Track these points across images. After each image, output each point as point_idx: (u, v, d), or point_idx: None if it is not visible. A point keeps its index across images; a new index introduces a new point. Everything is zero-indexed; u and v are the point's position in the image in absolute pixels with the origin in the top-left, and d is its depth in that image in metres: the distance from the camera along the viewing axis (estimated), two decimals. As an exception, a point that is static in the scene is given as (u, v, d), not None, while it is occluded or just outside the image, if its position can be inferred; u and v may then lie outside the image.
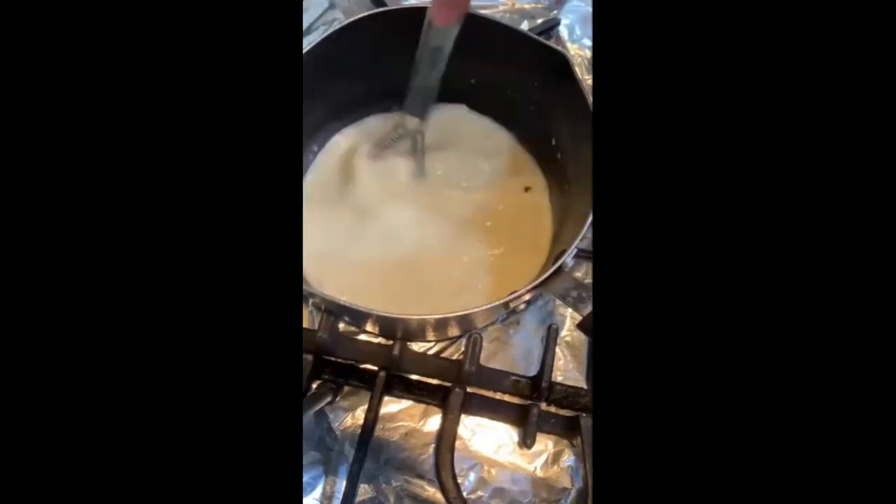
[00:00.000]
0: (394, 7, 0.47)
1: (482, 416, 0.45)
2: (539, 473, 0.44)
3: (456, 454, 0.42)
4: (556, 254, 0.45)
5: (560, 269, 0.38)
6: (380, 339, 0.46)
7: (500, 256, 0.48)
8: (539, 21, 0.59)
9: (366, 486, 0.43)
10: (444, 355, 0.47)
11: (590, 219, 0.38)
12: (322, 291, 0.38)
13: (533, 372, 0.44)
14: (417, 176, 0.50)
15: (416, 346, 0.47)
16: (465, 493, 0.41)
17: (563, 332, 0.48)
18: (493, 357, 0.47)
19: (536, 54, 0.44)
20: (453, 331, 0.47)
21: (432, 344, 0.48)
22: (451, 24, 0.41)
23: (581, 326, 0.48)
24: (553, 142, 0.49)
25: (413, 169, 0.50)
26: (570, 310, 0.49)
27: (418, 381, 0.45)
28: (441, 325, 0.44)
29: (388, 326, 0.45)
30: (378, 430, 0.44)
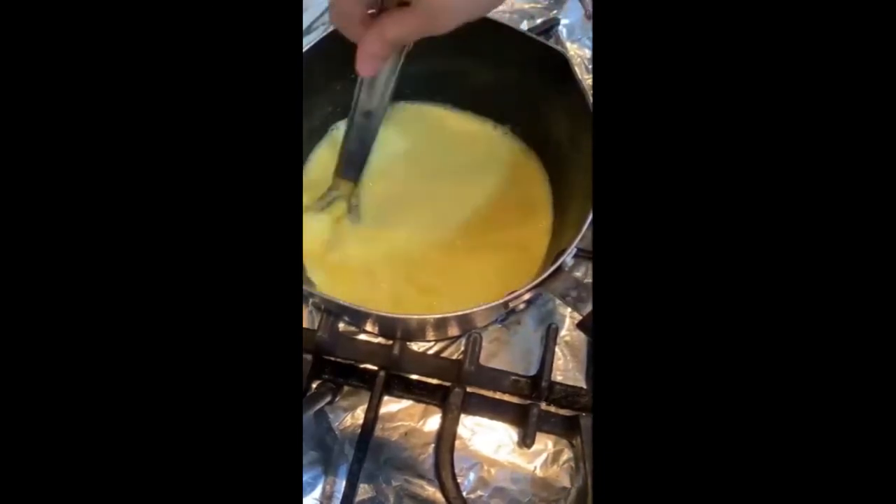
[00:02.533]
0: (393, 7, 0.47)
1: (482, 415, 0.45)
2: (539, 473, 0.44)
3: (456, 454, 0.42)
4: (555, 253, 0.45)
5: (560, 268, 0.38)
6: (379, 339, 0.46)
7: (499, 256, 0.48)
8: (539, 21, 0.59)
9: (366, 485, 0.43)
10: (443, 355, 0.47)
11: (590, 218, 0.38)
12: (322, 291, 0.38)
13: (533, 372, 0.44)
14: (353, 224, 0.49)
15: (416, 346, 0.47)
16: (464, 493, 0.41)
17: (563, 332, 0.48)
18: (492, 357, 0.47)
19: (536, 54, 0.44)
20: (453, 330, 0.47)
21: (432, 344, 0.48)
22: (380, 72, 0.37)
23: (581, 326, 0.48)
24: (553, 142, 0.49)
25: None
26: (569, 310, 0.49)
27: (418, 381, 0.45)
28: (441, 324, 0.44)
29: (387, 326, 0.45)
30: (378, 430, 0.44)
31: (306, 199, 0.48)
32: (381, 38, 0.32)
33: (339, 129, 0.52)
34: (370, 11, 0.32)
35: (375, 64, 0.34)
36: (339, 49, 0.44)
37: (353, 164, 0.46)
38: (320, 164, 0.51)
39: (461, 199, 0.50)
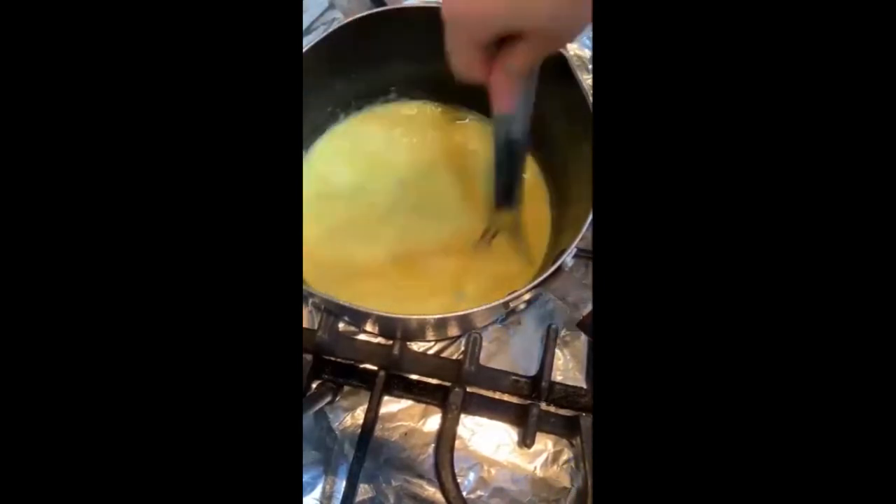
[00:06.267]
0: (393, 7, 0.47)
1: (482, 415, 0.45)
2: (539, 473, 0.44)
3: (456, 454, 0.42)
4: (555, 253, 0.45)
5: (560, 269, 0.38)
6: (379, 339, 0.46)
7: (499, 256, 0.48)
8: (539, 21, 0.59)
9: (366, 485, 0.43)
10: (443, 355, 0.47)
11: (590, 219, 0.38)
12: (322, 291, 0.38)
13: (533, 372, 0.44)
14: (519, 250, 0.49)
15: (416, 346, 0.47)
16: (464, 493, 0.41)
17: (563, 332, 0.48)
18: (492, 357, 0.47)
19: (536, 54, 0.44)
20: (453, 331, 0.47)
21: (432, 344, 0.48)
22: (517, 107, 0.36)
23: (581, 326, 0.48)
24: (553, 142, 0.49)
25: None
26: (569, 310, 0.49)
27: (418, 381, 0.45)
28: (441, 324, 0.44)
29: (387, 326, 0.45)
30: (378, 430, 0.44)
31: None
32: (508, 73, 0.32)
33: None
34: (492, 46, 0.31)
35: (513, 98, 0.34)
36: (338, 49, 0.45)
37: (508, 194, 0.46)
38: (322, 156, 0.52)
39: (461, 199, 0.50)
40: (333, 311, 0.42)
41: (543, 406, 0.43)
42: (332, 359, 0.45)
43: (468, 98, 0.52)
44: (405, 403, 0.46)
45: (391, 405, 0.46)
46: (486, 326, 0.48)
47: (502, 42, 0.31)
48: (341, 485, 0.42)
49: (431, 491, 0.43)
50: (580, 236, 0.38)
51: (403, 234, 0.49)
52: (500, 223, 0.47)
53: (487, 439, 0.45)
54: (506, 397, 0.45)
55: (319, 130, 0.52)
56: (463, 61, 0.31)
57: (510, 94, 0.34)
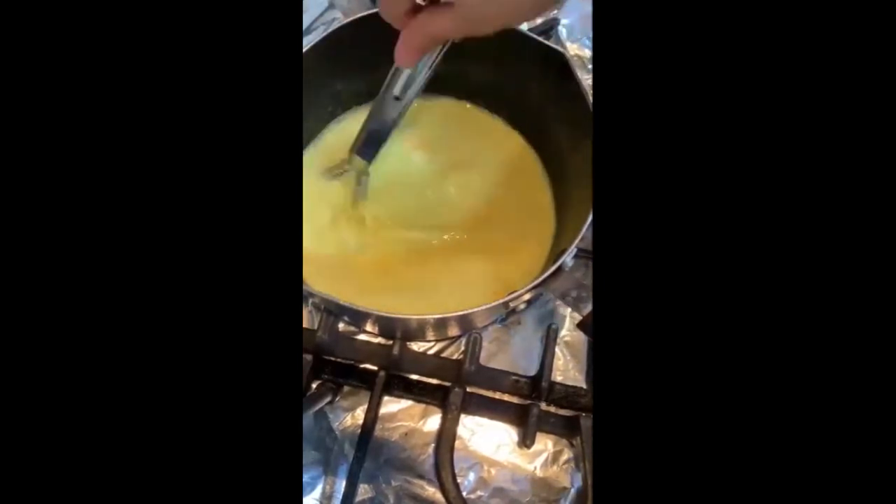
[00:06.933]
0: (393, 7, 0.47)
1: (482, 415, 0.45)
2: (539, 473, 0.44)
3: (456, 454, 0.42)
4: (556, 253, 0.45)
5: (560, 269, 0.38)
6: (379, 339, 0.46)
7: (499, 255, 0.48)
8: (539, 21, 0.59)
9: (366, 485, 0.43)
10: (443, 355, 0.47)
11: (590, 219, 0.38)
12: (322, 291, 0.38)
13: (533, 372, 0.44)
14: (357, 200, 0.50)
15: (416, 346, 0.47)
16: (464, 493, 0.41)
17: (563, 332, 0.48)
18: (493, 357, 0.47)
19: (536, 54, 0.44)
20: (453, 330, 0.47)
21: (432, 344, 0.48)
22: (419, 65, 0.38)
23: (581, 326, 0.48)
24: (553, 142, 0.49)
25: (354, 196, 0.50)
26: (570, 310, 0.49)
27: (418, 381, 0.45)
28: (441, 324, 0.44)
29: (387, 326, 0.45)
30: (378, 430, 0.44)
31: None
32: (422, 31, 0.33)
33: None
34: (418, 2, 0.32)
35: (414, 56, 0.35)
36: (337, 49, 0.45)
37: (370, 145, 0.46)
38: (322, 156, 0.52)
39: (462, 197, 0.50)
40: (333, 311, 0.42)
41: (543, 406, 0.43)
42: (332, 359, 0.45)
43: (468, 95, 0.53)
44: (405, 403, 0.46)
45: (391, 405, 0.46)
46: (486, 326, 0.48)
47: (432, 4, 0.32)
48: (341, 485, 0.42)
49: (431, 491, 0.43)
50: (580, 236, 0.38)
51: (406, 233, 0.49)
52: (351, 167, 0.48)
53: (487, 439, 0.45)
54: (506, 397, 0.45)
55: (319, 130, 0.52)
56: (392, 2, 0.32)
57: (415, 52, 0.34)
